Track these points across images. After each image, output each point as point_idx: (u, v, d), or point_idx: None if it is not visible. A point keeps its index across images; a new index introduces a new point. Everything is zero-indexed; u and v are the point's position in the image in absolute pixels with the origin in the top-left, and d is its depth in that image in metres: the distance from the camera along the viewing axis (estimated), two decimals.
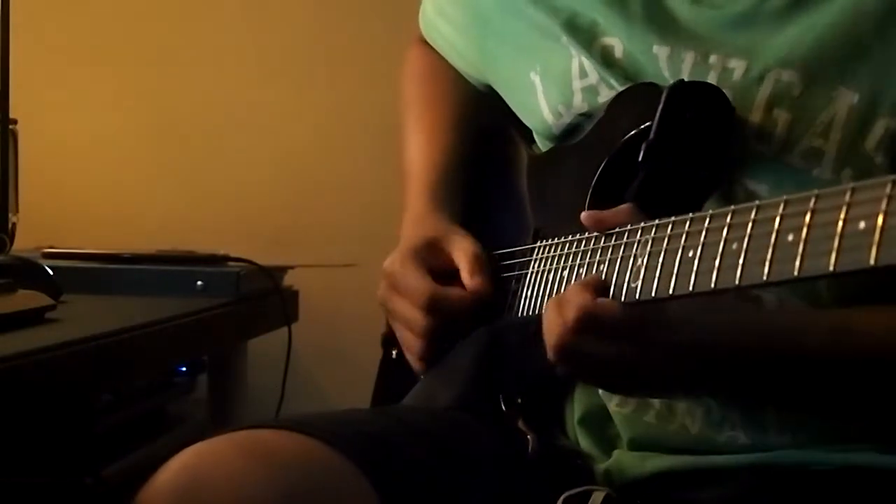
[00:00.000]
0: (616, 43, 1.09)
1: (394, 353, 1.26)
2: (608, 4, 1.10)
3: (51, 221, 2.13)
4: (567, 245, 1.05)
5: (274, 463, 0.93)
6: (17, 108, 1.74)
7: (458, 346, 1.14)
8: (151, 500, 0.92)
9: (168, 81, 2.31)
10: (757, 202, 0.81)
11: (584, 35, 1.11)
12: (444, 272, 1.16)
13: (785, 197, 0.78)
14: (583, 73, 1.11)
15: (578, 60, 1.11)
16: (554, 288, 1.06)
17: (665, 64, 1.06)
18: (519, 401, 1.12)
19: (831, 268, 0.72)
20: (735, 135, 1.01)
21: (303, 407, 1.99)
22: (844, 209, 0.72)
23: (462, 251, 1.16)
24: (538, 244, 1.12)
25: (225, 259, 1.74)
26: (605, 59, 1.09)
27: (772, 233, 0.78)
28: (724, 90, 1.01)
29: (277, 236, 2.23)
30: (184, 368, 1.99)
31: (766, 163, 1.01)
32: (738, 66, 1.02)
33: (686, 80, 1.01)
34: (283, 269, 1.87)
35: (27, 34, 1.95)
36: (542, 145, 1.20)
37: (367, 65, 2.19)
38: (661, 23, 1.07)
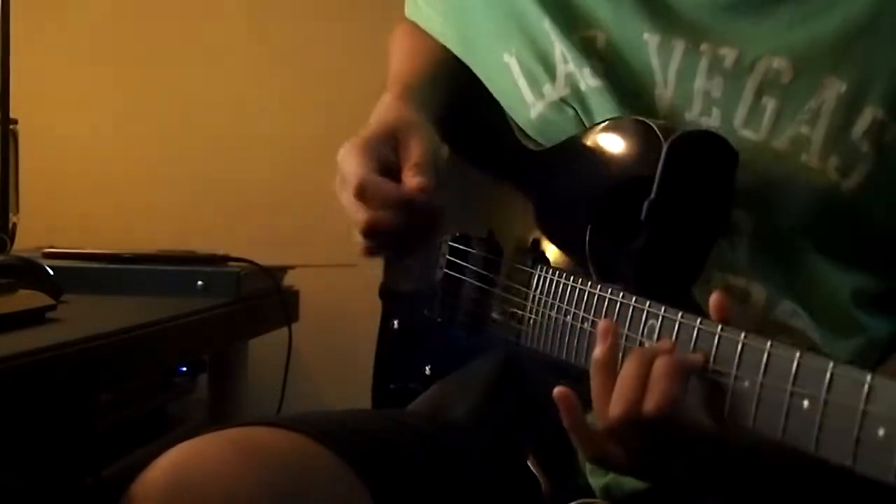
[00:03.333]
0: (599, 34, 1.09)
1: (395, 323, 1.24)
2: None
3: (51, 221, 2.12)
4: (569, 289, 1.02)
5: (264, 460, 0.93)
6: (17, 108, 1.74)
7: (475, 362, 1.13)
8: (141, 496, 0.91)
9: (168, 81, 2.31)
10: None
11: (566, 23, 1.10)
12: (396, 167, 1.07)
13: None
14: (564, 59, 1.11)
15: (560, 47, 1.11)
16: (558, 333, 1.03)
17: (655, 51, 1.05)
18: (529, 439, 1.11)
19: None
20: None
21: (303, 407, 1.99)
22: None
23: (412, 147, 1.07)
24: (538, 272, 1.08)
25: (225, 259, 1.74)
26: (586, 50, 1.09)
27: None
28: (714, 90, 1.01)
29: (277, 236, 2.23)
30: (184, 368, 1.99)
31: (752, 149, 1.00)
32: (729, 53, 1.02)
33: (684, 132, 0.98)
34: (283, 269, 1.87)
35: (27, 34, 1.95)
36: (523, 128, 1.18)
37: (368, 64, 2.18)
38: (652, 8, 1.06)
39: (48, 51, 2.28)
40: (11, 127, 1.73)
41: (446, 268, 1.20)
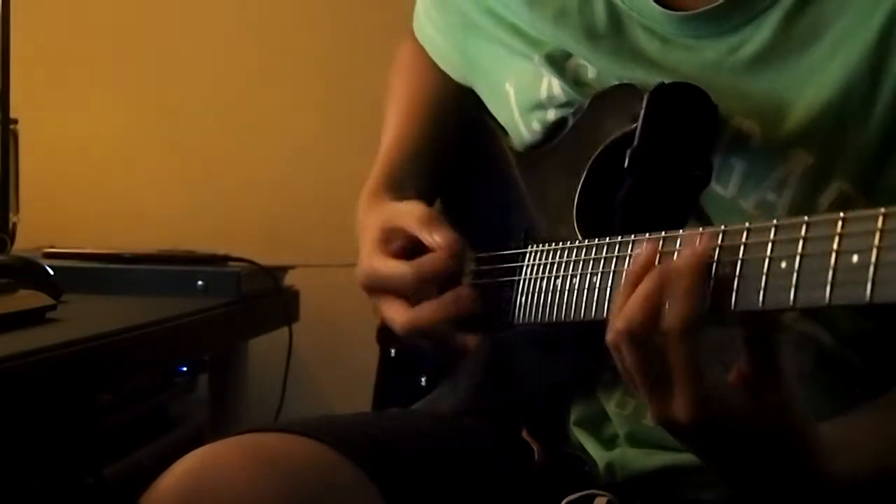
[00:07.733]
0: (588, 65, 1.09)
1: (392, 351, 1.25)
2: (577, 38, 1.10)
3: (51, 221, 2.12)
4: (558, 253, 1.04)
5: (279, 468, 0.93)
6: (17, 108, 1.74)
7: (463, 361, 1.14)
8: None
9: (168, 81, 2.31)
10: (747, 224, 0.80)
11: (556, 58, 1.11)
12: (408, 249, 1.13)
13: (775, 222, 0.78)
14: (552, 91, 1.11)
15: (549, 80, 1.11)
16: (548, 297, 1.04)
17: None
18: (519, 414, 1.12)
19: (826, 300, 0.72)
20: (719, 135, 1.00)
21: (303, 407, 2.00)
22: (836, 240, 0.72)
23: (409, 217, 1.12)
24: (528, 249, 1.10)
25: (225, 259, 1.74)
26: (577, 80, 1.10)
27: (764, 259, 0.77)
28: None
29: (277, 236, 2.23)
30: (184, 368, 1.99)
31: (723, 204, 1.01)
32: None
33: (664, 83, 0.99)
34: (283, 269, 1.87)
35: (27, 34, 1.95)
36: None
37: (369, 64, 2.19)
38: (630, 58, 1.07)
39: (48, 51, 2.28)
40: (11, 127, 1.73)
41: None
